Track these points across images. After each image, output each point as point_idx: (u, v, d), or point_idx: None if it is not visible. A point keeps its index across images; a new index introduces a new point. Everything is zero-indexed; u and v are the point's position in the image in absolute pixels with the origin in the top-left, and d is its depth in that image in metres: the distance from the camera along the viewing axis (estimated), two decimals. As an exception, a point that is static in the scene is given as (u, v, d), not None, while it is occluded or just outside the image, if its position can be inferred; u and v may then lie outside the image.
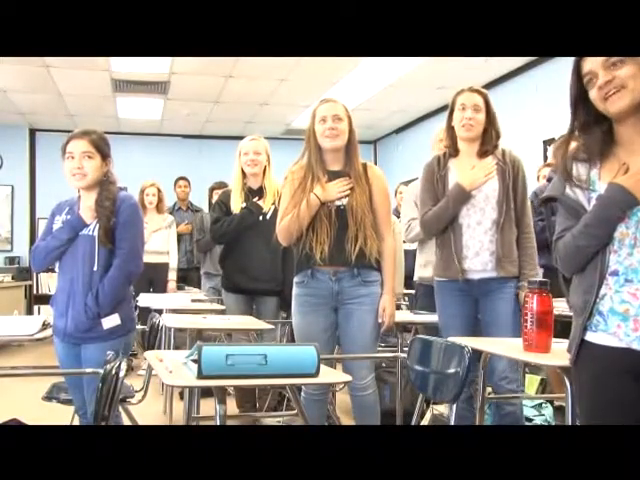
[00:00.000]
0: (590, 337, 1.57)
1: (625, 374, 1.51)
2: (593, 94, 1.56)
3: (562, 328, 2.15)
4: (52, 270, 2.92)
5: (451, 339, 2.36)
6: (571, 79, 1.61)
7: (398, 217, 4.36)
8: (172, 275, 5.70)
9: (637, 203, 1.49)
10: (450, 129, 2.84)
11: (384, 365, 3.89)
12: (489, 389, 2.80)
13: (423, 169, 2.93)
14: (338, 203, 2.74)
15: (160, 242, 5.64)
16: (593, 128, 1.60)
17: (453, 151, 2.86)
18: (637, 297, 1.50)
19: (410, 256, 4.04)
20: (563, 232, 1.63)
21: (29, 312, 8.16)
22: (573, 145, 1.65)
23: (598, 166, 1.59)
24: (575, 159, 1.62)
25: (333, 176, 2.77)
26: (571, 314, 1.66)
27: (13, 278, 7.99)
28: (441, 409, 3.35)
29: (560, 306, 2.14)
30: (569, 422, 1.88)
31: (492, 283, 2.71)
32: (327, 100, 2.82)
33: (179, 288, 5.84)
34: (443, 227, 2.79)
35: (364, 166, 2.83)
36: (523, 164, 2.85)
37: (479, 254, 2.73)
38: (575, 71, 1.59)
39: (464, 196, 2.74)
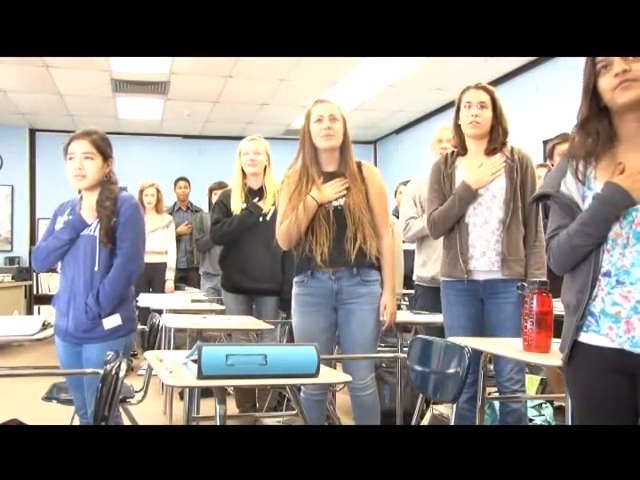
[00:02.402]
0: (582, 338, 1.57)
1: (618, 374, 1.52)
2: (604, 82, 1.54)
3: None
4: (53, 270, 2.92)
5: (451, 339, 2.36)
6: (585, 66, 1.59)
7: (398, 218, 4.36)
8: (170, 275, 5.72)
9: (633, 203, 1.50)
10: (457, 127, 2.83)
11: (384, 365, 3.89)
12: (490, 389, 2.81)
13: (430, 168, 2.92)
14: (335, 204, 2.75)
15: (158, 242, 5.66)
16: (592, 124, 1.59)
17: (461, 149, 2.84)
18: (629, 299, 1.50)
19: (410, 256, 4.04)
20: (557, 230, 1.63)
21: (29, 312, 8.15)
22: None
23: (593, 164, 1.58)
24: (573, 156, 1.61)
25: (329, 177, 2.77)
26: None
27: (13, 278, 7.99)
28: (441, 409, 3.35)
29: (560, 306, 2.14)
30: (569, 422, 1.88)
31: (498, 284, 2.69)
32: (322, 101, 2.82)
33: (179, 288, 5.85)
34: (450, 226, 2.76)
35: (359, 165, 2.83)
36: (532, 161, 2.83)
37: (485, 254, 2.71)
38: (590, 57, 1.57)
39: (471, 195, 2.72)
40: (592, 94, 1.58)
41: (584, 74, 1.60)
